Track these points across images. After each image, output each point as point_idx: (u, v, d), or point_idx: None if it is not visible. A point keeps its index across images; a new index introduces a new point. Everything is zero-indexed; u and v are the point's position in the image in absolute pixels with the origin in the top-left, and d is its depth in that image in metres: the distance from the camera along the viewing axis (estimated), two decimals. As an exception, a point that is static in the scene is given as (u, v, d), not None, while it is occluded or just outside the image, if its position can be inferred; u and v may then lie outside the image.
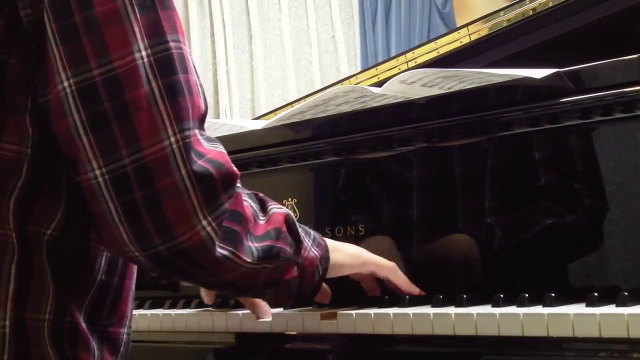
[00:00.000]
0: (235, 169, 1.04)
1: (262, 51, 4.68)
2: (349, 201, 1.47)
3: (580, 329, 1.03)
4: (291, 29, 4.81)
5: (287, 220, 1.16)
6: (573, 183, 1.24)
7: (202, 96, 1.03)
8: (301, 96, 2.11)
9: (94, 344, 1.02)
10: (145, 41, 0.96)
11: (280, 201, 1.48)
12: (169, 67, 0.98)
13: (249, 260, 1.06)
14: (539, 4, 1.62)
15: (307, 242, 1.19)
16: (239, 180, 1.05)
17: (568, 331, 1.04)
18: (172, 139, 0.96)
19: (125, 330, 1.10)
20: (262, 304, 1.30)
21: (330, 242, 1.24)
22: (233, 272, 1.06)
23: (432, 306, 1.22)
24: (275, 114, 1.84)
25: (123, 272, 1.10)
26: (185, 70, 1.00)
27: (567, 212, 1.23)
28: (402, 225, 1.38)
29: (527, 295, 1.14)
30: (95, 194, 0.97)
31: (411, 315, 1.18)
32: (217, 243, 1.01)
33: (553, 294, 1.11)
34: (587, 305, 1.08)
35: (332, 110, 1.51)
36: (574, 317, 1.04)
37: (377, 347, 1.23)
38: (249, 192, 1.11)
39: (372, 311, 1.22)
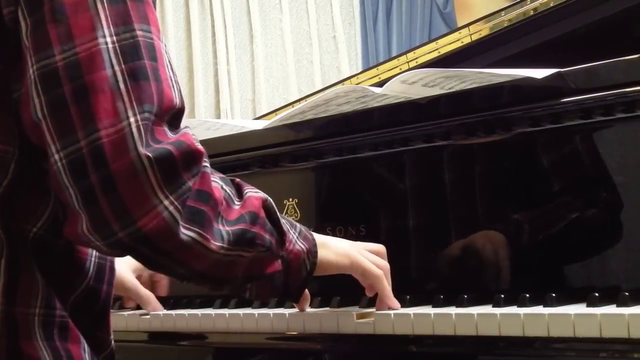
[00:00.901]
0: (199, 147, 0.99)
1: (263, 51, 4.67)
2: (350, 201, 1.47)
3: (581, 329, 1.03)
4: (292, 29, 4.80)
5: (265, 206, 1.11)
6: (574, 183, 1.24)
7: (175, 91, 0.99)
8: (302, 96, 2.11)
9: (84, 339, 1.02)
10: (112, 28, 0.95)
11: (281, 201, 1.49)
12: (134, 52, 0.95)
13: (219, 244, 1.01)
14: (540, 4, 1.62)
15: (292, 234, 1.14)
16: (205, 160, 1.00)
17: (569, 331, 1.04)
18: (132, 120, 0.93)
19: (112, 338, 1.10)
20: (149, 296, 1.32)
21: (318, 237, 1.20)
22: (203, 260, 1.01)
23: (433, 306, 1.22)
24: (276, 114, 1.84)
25: (110, 279, 1.09)
26: (154, 59, 0.97)
27: (568, 212, 1.23)
28: (402, 225, 1.38)
29: (528, 295, 1.14)
30: (58, 180, 0.94)
31: (412, 315, 1.18)
32: (181, 224, 0.96)
33: (554, 294, 1.11)
34: (588, 306, 1.08)
35: (333, 110, 1.51)
36: (575, 317, 1.04)
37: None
38: (222, 176, 1.07)
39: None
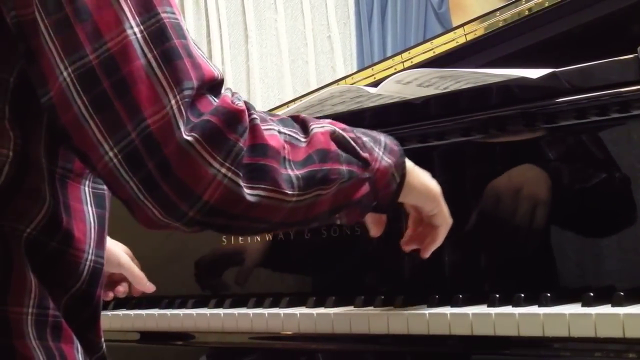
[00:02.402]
0: (239, 105, 0.98)
1: (258, 51, 4.67)
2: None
3: (576, 329, 1.03)
4: (287, 29, 4.81)
5: (335, 137, 1.08)
6: (569, 183, 1.24)
7: (209, 63, 0.99)
8: (297, 96, 2.11)
9: (77, 339, 1.02)
10: (137, 18, 0.95)
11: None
12: (163, 36, 0.96)
13: (290, 192, 1.00)
14: (535, 4, 1.62)
15: (376, 151, 1.11)
16: (252, 113, 0.99)
17: (564, 331, 1.04)
18: (172, 102, 0.94)
19: (103, 341, 1.09)
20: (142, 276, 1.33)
21: (409, 162, 1.17)
22: (280, 211, 1.01)
23: (428, 306, 1.22)
24: (271, 114, 1.84)
25: (102, 283, 1.09)
26: (183, 37, 0.97)
27: (563, 211, 1.23)
28: (396, 225, 1.38)
29: (522, 295, 1.14)
30: (116, 177, 0.95)
31: (407, 314, 1.18)
32: (243, 185, 0.96)
33: (549, 294, 1.11)
34: (583, 305, 1.08)
35: (328, 110, 1.51)
36: (570, 317, 1.04)
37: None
38: (283, 117, 1.06)
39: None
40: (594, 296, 1.08)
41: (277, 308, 1.37)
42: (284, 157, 1.01)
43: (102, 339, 1.08)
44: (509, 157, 1.30)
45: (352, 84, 1.77)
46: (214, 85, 0.99)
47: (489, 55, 1.74)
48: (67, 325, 1.01)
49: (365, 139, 1.12)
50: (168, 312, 1.49)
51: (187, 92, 0.94)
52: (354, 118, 1.46)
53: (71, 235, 1.02)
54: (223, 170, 0.95)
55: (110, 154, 0.94)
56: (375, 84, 1.54)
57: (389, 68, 1.80)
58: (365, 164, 1.10)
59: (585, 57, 1.22)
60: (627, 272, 1.16)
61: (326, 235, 1.42)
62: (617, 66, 1.18)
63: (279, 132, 1.02)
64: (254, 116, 1.00)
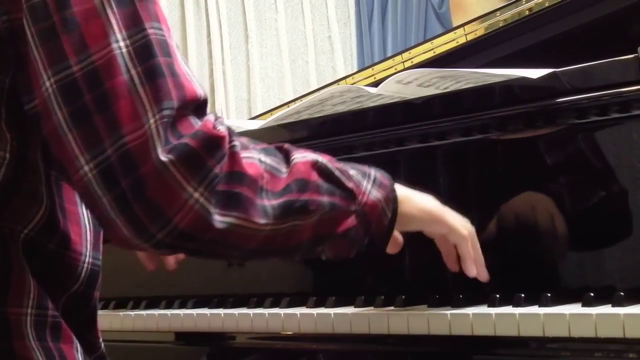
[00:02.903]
0: (220, 131, 0.96)
1: (259, 51, 4.67)
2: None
3: (576, 329, 1.03)
4: (287, 29, 4.80)
5: (317, 167, 1.07)
6: (569, 183, 1.24)
7: (194, 82, 0.98)
8: (297, 96, 2.11)
9: (76, 340, 1.02)
10: (124, 32, 0.94)
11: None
12: (148, 52, 0.95)
13: (263, 221, 0.99)
14: (535, 4, 1.62)
15: (364, 185, 1.10)
16: (233, 140, 0.98)
17: (564, 331, 1.04)
18: (152, 121, 0.92)
19: (101, 342, 1.09)
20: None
21: (401, 190, 1.14)
22: (252, 239, 1.00)
23: (428, 306, 1.22)
24: (271, 114, 1.84)
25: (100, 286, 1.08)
26: (168, 54, 0.96)
27: (563, 211, 1.23)
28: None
29: (523, 295, 1.14)
30: (90, 192, 0.94)
31: (407, 315, 1.18)
32: (214, 212, 0.95)
33: (549, 294, 1.11)
34: (583, 305, 1.08)
35: (328, 110, 1.51)
36: (570, 317, 1.04)
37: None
38: (266, 146, 1.04)
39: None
40: (594, 296, 1.07)
41: (278, 308, 1.37)
42: (261, 187, 0.99)
43: (100, 340, 1.08)
44: (509, 157, 1.30)
45: (352, 84, 1.77)
46: (198, 105, 0.97)
47: (489, 55, 1.74)
48: (67, 325, 1.01)
49: (352, 171, 1.10)
50: (168, 312, 1.49)
51: (166, 112, 0.93)
52: (354, 118, 1.46)
53: (68, 238, 1.02)
54: (196, 195, 0.94)
55: (86, 168, 0.93)
56: (376, 84, 1.54)
57: (389, 68, 1.80)
58: (350, 195, 1.08)
59: (585, 57, 1.22)
60: (627, 272, 1.15)
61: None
62: (617, 66, 1.18)
63: (260, 160, 1.01)
64: (235, 143, 0.98)
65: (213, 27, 4.51)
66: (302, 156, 1.06)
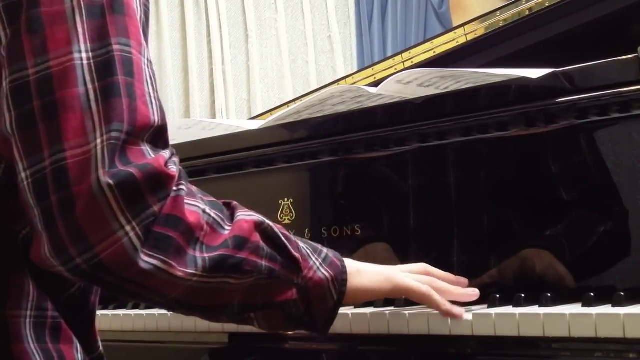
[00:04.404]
0: (171, 170, 0.93)
1: (259, 51, 4.67)
2: (345, 201, 1.47)
3: (576, 329, 1.03)
4: (287, 29, 4.81)
5: (261, 229, 1.02)
6: (569, 183, 1.24)
7: (153, 108, 0.93)
8: (297, 96, 2.11)
9: (76, 340, 1.02)
10: (88, 44, 0.91)
11: (276, 201, 1.48)
12: (109, 69, 0.91)
13: (190, 272, 0.94)
14: (535, 4, 1.62)
15: (312, 260, 1.06)
16: (181, 183, 0.94)
17: (564, 331, 1.04)
18: (98, 141, 0.89)
19: (99, 343, 1.09)
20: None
21: (352, 264, 1.11)
22: (174, 287, 0.95)
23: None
24: (271, 114, 1.84)
25: (97, 290, 1.07)
26: (130, 74, 0.92)
27: (563, 212, 1.23)
28: (397, 225, 1.38)
29: (523, 295, 1.14)
30: (26, 199, 0.91)
31: (407, 315, 1.18)
32: (141, 250, 0.90)
33: (549, 294, 1.11)
34: (583, 306, 1.08)
35: (328, 110, 1.51)
36: (570, 317, 1.04)
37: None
38: (213, 200, 1.00)
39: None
40: (595, 296, 1.07)
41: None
42: (197, 238, 0.95)
43: (99, 342, 1.08)
44: (509, 157, 1.30)
45: (352, 84, 1.77)
46: (156, 133, 0.94)
47: (489, 55, 1.74)
48: (67, 325, 1.01)
49: (302, 244, 1.07)
50: (168, 312, 1.49)
51: (114, 134, 0.90)
52: (354, 118, 1.46)
53: None
54: (127, 228, 0.90)
55: (23, 174, 0.91)
56: (376, 84, 1.54)
57: (389, 68, 1.80)
58: (294, 266, 1.04)
59: (585, 57, 1.22)
60: (627, 272, 1.15)
61: (327, 235, 1.42)
62: (617, 66, 1.18)
63: (204, 211, 0.97)
64: (182, 187, 0.95)
65: (213, 27, 4.51)
66: (248, 215, 1.02)
